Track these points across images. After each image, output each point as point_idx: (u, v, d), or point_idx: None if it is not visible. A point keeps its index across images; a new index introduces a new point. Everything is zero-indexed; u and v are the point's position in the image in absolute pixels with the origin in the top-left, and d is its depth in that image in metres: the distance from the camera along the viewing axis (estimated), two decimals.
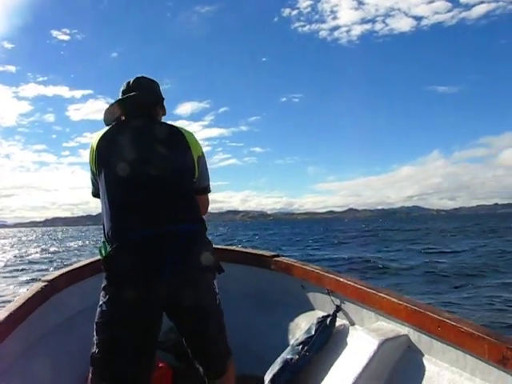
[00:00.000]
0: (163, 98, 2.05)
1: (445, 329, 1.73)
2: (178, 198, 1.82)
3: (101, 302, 1.74)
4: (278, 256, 2.81)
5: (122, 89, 1.99)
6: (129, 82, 1.99)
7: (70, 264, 3.04)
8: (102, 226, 1.82)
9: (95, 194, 1.96)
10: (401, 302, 1.95)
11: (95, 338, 1.73)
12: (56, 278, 2.50)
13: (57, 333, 2.37)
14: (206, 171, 1.99)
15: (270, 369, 2.30)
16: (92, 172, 1.91)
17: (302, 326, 2.49)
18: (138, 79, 2.00)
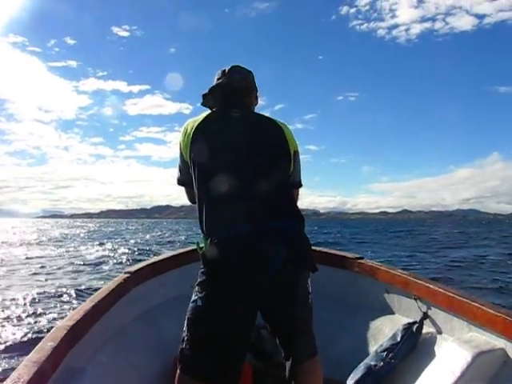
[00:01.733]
0: (257, 88, 2.02)
1: None
2: (279, 193, 1.78)
3: (195, 297, 1.69)
4: (361, 258, 2.76)
5: (216, 77, 1.97)
6: (224, 71, 1.96)
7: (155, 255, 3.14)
8: (196, 219, 1.79)
9: (182, 182, 1.93)
10: (498, 314, 1.84)
11: (186, 333, 1.69)
12: (138, 270, 2.56)
13: (137, 325, 2.42)
14: (299, 166, 1.94)
15: (353, 374, 2.25)
16: (182, 159, 1.85)
17: (385, 332, 2.42)
18: (234, 68, 1.96)
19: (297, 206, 1.87)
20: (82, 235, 40.07)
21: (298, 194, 2.01)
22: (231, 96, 1.90)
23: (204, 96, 1.93)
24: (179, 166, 1.91)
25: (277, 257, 1.64)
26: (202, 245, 1.74)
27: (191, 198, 1.91)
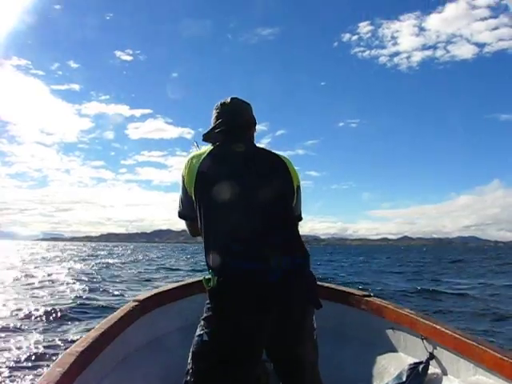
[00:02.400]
0: (256, 120, 2.04)
1: None
2: (284, 228, 1.79)
3: (201, 332, 1.70)
4: (369, 296, 2.78)
5: (215, 110, 1.98)
6: (224, 103, 1.97)
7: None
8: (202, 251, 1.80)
9: (183, 216, 1.93)
10: (505, 358, 1.84)
11: (191, 366, 1.70)
12: (146, 298, 2.60)
13: (144, 353, 2.44)
14: (300, 199, 1.96)
15: None
16: (186, 193, 1.84)
17: (390, 371, 2.43)
18: (234, 100, 1.99)
19: (302, 241, 1.86)
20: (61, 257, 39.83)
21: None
22: (235, 131, 1.91)
23: (206, 134, 1.95)
24: (181, 199, 1.89)
25: (280, 294, 1.66)
26: (208, 278, 1.74)
27: (194, 231, 1.92)
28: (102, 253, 58.92)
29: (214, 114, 1.98)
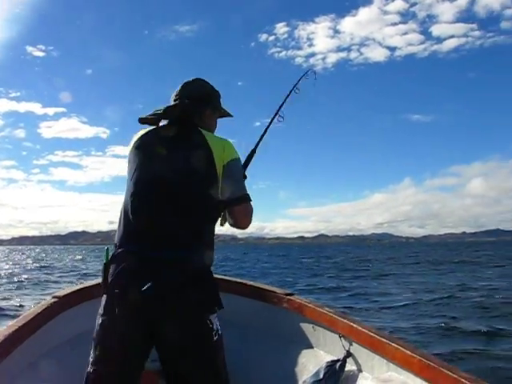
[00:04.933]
0: (209, 102, 1.98)
1: None
2: (186, 217, 1.70)
3: (98, 318, 1.71)
4: (291, 294, 2.81)
5: (174, 94, 1.98)
6: (180, 87, 1.98)
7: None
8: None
9: None
10: (415, 355, 1.93)
11: (91, 355, 1.69)
12: (66, 295, 2.53)
13: (62, 350, 2.38)
14: (235, 179, 1.83)
15: None
16: None
17: (309, 369, 2.47)
18: (186, 85, 1.98)
19: (208, 235, 1.78)
20: None
21: (241, 211, 1.85)
22: (173, 114, 1.89)
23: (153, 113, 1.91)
24: None
25: (165, 290, 1.60)
26: (107, 256, 1.74)
27: None
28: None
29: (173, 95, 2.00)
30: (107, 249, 1.76)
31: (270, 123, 2.47)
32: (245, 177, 1.99)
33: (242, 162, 2.04)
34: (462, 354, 6.14)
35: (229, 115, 2.12)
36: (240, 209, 1.84)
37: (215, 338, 1.70)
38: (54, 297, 2.47)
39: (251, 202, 1.86)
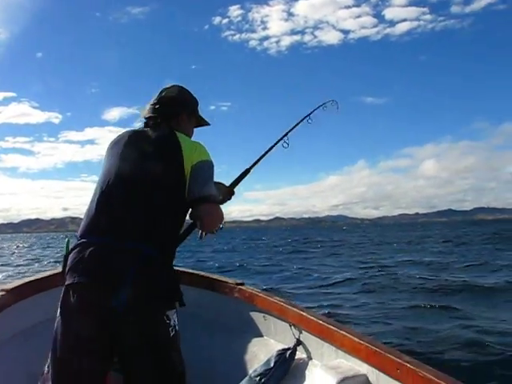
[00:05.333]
0: (186, 108, 2.05)
1: (403, 372, 1.75)
2: (148, 212, 1.71)
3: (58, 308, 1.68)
4: (242, 284, 2.81)
5: (153, 97, 2.04)
6: (159, 92, 2.04)
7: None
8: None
9: None
10: (362, 342, 1.98)
11: (50, 356, 1.66)
12: (17, 287, 2.48)
13: (14, 343, 2.33)
14: (202, 179, 1.81)
15: None
16: None
17: (260, 357, 2.49)
18: (164, 90, 2.04)
19: (168, 231, 1.77)
20: None
21: (204, 212, 1.82)
22: (151, 117, 1.98)
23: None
24: None
25: (124, 284, 1.58)
26: (68, 247, 1.75)
27: None
28: None
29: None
30: (68, 240, 1.76)
31: (272, 147, 2.47)
32: (232, 193, 2.19)
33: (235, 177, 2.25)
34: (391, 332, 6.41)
35: (206, 124, 2.17)
36: (203, 209, 1.81)
37: (172, 334, 1.70)
38: (2, 290, 2.39)
39: (218, 205, 1.88)
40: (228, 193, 2.25)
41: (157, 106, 1.99)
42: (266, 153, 2.44)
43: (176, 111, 2.00)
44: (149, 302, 1.65)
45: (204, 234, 2.04)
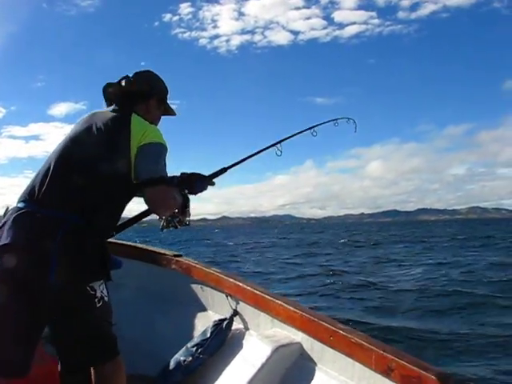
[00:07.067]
0: (155, 93, 2.00)
1: (336, 339, 1.80)
2: (83, 187, 1.70)
3: None
4: (179, 256, 2.78)
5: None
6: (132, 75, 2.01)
7: None
8: None
9: None
10: (296, 310, 2.01)
11: None
12: None
13: None
14: (150, 160, 1.73)
15: (162, 369, 2.29)
16: None
17: (198, 328, 2.49)
18: (138, 72, 2.01)
19: (101, 205, 1.73)
20: None
21: (152, 194, 1.73)
22: (111, 100, 1.98)
23: None
24: None
25: (49, 252, 1.58)
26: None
27: None
28: None
29: None
30: (7, 208, 1.76)
31: (261, 151, 2.40)
32: (212, 183, 2.20)
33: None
34: None
35: (173, 113, 2.16)
36: (148, 191, 1.73)
37: (98, 305, 1.70)
38: None
39: (168, 186, 1.78)
40: (205, 180, 2.18)
41: (125, 89, 1.94)
42: (250, 156, 2.39)
43: (147, 94, 1.98)
44: (71, 272, 1.62)
45: (164, 224, 2.02)
